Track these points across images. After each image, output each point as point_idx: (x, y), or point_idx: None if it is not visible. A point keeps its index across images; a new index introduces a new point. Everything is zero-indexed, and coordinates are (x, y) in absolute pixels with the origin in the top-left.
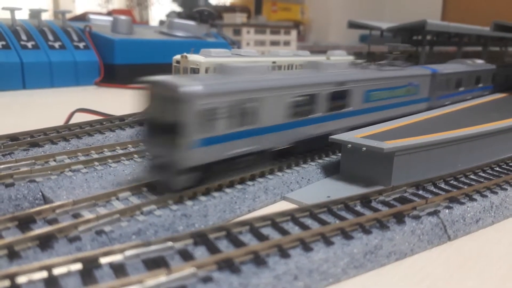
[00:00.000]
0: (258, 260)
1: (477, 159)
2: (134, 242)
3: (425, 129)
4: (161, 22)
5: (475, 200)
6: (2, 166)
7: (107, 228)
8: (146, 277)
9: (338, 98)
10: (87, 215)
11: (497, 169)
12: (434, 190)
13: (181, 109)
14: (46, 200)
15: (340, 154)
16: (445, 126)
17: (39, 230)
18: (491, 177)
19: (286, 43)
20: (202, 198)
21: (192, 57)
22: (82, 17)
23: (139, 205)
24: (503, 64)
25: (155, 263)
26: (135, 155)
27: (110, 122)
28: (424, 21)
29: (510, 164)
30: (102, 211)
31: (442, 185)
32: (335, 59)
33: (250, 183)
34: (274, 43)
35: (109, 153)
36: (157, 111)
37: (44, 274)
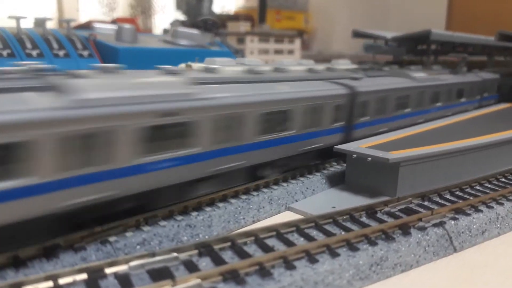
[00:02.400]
0: (263, 272)
1: (483, 170)
2: (139, 253)
3: (430, 139)
4: (165, 31)
5: (481, 211)
6: None
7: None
8: None
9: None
10: None
11: (503, 180)
12: (440, 201)
13: None
14: None
15: (344, 165)
16: (451, 137)
17: None
18: (497, 188)
19: (290, 52)
20: (207, 208)
21: (196, 67)
22: (87, 26)
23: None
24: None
25: (160, 274)
26: None
27: None
28: (429, 30)
29: None
30: None
31: (448, 196)
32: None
33: (254, 193)
34: (278, 52)
35: None
36: None
37: (49, 284)
